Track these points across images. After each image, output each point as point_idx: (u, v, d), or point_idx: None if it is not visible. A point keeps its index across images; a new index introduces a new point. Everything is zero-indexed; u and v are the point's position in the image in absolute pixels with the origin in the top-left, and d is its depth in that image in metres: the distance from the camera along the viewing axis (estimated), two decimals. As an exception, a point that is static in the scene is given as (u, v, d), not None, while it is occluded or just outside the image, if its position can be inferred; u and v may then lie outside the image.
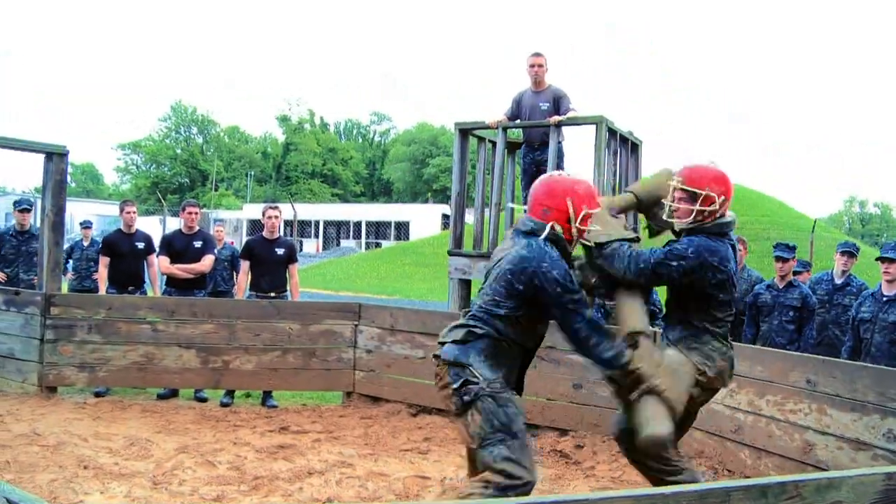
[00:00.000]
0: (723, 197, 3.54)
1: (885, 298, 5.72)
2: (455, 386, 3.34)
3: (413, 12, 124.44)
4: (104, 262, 7.80)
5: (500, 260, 3.47)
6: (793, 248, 6.72)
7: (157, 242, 8.12)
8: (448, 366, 3.40)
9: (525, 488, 3.24)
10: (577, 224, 3.46)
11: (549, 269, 3.31)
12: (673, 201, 3.64)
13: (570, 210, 3.44)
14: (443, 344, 3.48)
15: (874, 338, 5.68)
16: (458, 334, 3.42)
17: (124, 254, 7.73)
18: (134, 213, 7.96)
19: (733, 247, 3.64)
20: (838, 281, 6.74)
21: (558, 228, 3.44)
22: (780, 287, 6.58)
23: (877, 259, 5.85)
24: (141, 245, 7.87)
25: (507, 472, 3.23)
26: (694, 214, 3.56)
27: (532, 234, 3.45)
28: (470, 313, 3.49)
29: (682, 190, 3.59)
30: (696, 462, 5.14)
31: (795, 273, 6.86)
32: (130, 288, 7.68)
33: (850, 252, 6.80)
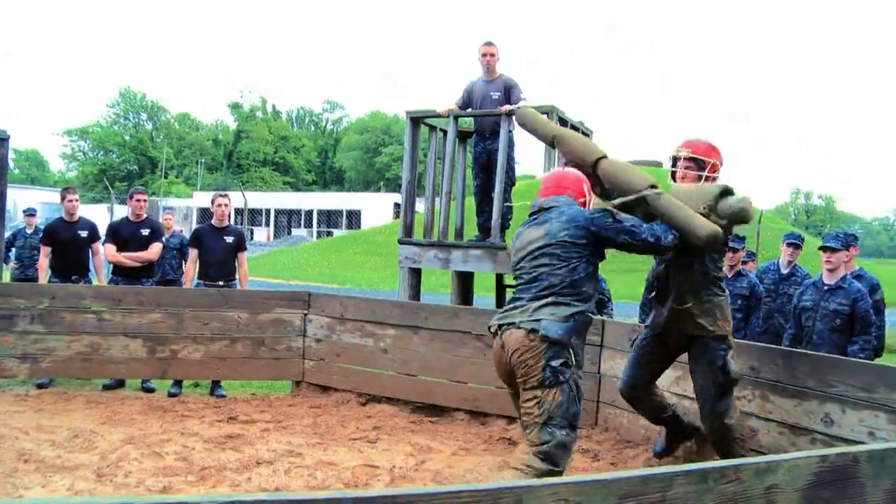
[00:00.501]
0: (721, 165, 4.21)
1: (825, 287, 5.84)
2: (554, 364, 3.62)
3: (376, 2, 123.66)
4: (45, 251, 7.60)
5: (539, 241, 3.87)
6: (742, 239, 6.84)
7: (104, 231, 7.95)
8: (548, 342, 3.63)
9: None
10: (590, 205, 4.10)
11: (591, 214, 3.87)
12: (679, 171, 4.24)
13: (587, 192, 4.09)
14: (514, 322, 3.77)
15: (815, 325, 5.81)
16: (560, 312, 3.70)
17: (67, 243, 7.53)
18: (75, 200, 7.72)
19: None
20: (784, 271, 6.88)
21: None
22: (729, 276, 6.69)
23: (819, 248, 5.97)
24: (84, 233, 7.66)
25: (553, 458, 3.59)
26: (702, 181, 4.14)
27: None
28: (549, 295, 3.75)
29: (690, 159, 4.20)
30: (643, 448, 5.22)
31: (742, 263, 6.98)
32: (74, 277, 7.48)
33: (795, 243, 6.94)
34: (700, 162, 4.18)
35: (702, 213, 3.89)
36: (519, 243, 4.01)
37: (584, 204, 4.05)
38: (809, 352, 5.16)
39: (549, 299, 3.72)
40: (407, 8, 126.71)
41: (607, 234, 3.82)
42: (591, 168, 4.13)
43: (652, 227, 3.86)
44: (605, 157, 4.12)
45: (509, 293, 8.65)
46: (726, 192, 4.01)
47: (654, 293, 4.41)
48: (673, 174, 4.32)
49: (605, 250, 3.97)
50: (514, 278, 4.03)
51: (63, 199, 7.73)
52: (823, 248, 5.88)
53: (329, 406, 6.54)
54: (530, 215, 4.08)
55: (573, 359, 3.67)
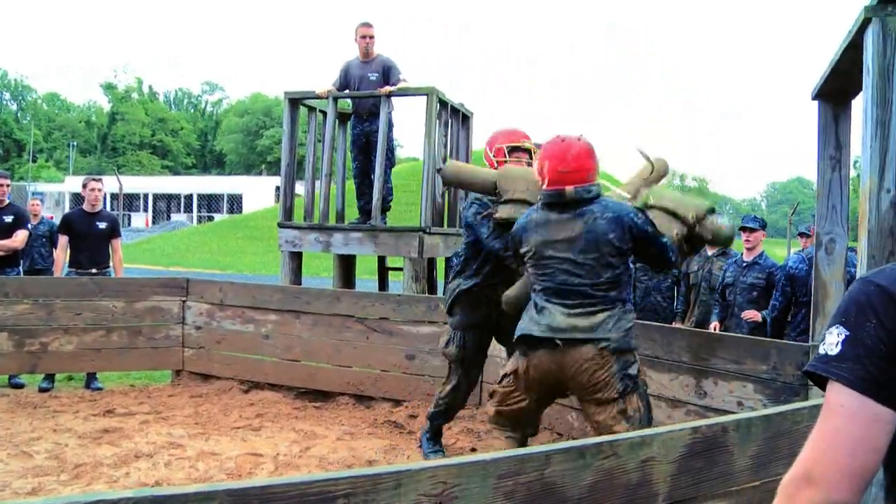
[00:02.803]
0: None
1: (744, 263, 6.22)
2: (629, 372, 3.47)
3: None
4: None
5: (580, 240, 3.51)
6: None
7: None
8: (617, 354, 3.43)
9: None
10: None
11: (634, 215, 3.56)
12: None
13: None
14: (575, 337, 3.46)
15: (736, 299, 6.15)
16: (620, 324, 3.47)
17: None
18: None
19: None
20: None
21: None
22: None
23: (739, 229, 6.33)
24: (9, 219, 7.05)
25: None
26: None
27: (597, 197, 3.61)
28: (595, 300, 3.49)
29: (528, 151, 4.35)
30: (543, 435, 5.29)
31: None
32: None
33: None
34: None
35: (689, 221, 3.75)
36: (542, 236, 3.60)
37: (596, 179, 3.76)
38: (685, 328, 5.36)
39: (608, 311, 3.47)
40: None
41: (644, 241, 3.56)
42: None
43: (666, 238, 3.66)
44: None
45: (392, 276, 8.66)
46: (713, 209, 3.87)
47: None
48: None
49: None
50: (537, 276, 3.62)
51: None
52: (743, 229, 6.24)
53: (211, 395, 6.36)
54: (548, 204, 3.63)
55: (637, 361, 3.57)
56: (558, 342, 3.44)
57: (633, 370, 3.49)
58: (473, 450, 5.05)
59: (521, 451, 1.84)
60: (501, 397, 3.82)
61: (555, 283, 3.53)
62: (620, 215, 3.50)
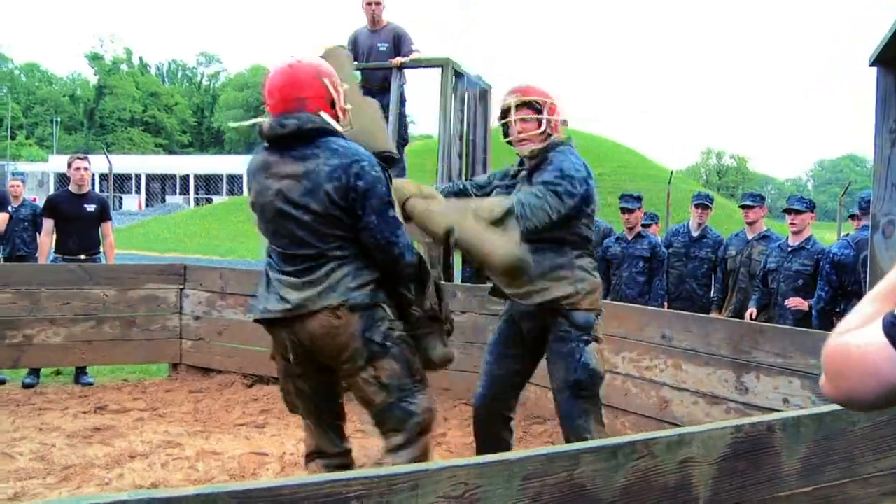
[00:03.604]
0: (559, 105, 3.66)
1: (789, 248, 6.09)
2: (373, 335, 3.04)
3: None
4: None
5: (293, 185, 3.01)
6: (638, 199, 7.03)
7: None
8: (357, 313, 3.02)
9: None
10: (342, 104, 3.17)
11: (370, 167, 3.01)
12: (514, 123, 3.64)
13: (330, 89, 3.11)
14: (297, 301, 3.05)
15: (780, 287, 6.04)
16: (357, 280, 3.03)
17: None
18: None
19: None
20: (694, 233, 7.08)
21: (326, 116, 3.07)
22: (629, 238, 6.87)
23: (783, 210, 6.27)
24: None
25: (427, 425, 3.19)
26: (543, 127, 3.61)
27: (318, 133, 3.04)
28: (323, 262, 3.04)
29: (524, 105, 3.63)
30: (552, 424, 5.30)
31: (644, 226, 7.17)
32: None
33: (704, 204, 7.17)
34: (536, 104, 3.61)
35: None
36: (260, 184, 3.12)
37: (331, 106, 3.12)
38: (724, 318, 5.33)
39: (340, 269, 3.04)
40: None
41: (365, 206, 3.00)
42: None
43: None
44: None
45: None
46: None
47: None
48: (506, 132, 3.75)
49: None
50: (264, 237, 3.23)
51: None
52: (788, 211, 6.15)
53: (211, 390, 6.42)
54: (270, 140, 3.14)
55: (388, 313, 3.10)
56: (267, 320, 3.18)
57: (379, 330, 3.05)
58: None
59: (549, 449, 1.84)
60: (280, 384, 3.49)
61: (279, 245, 3.14)
62: (347, 162, 2.96)
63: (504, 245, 3.22)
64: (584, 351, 3.56)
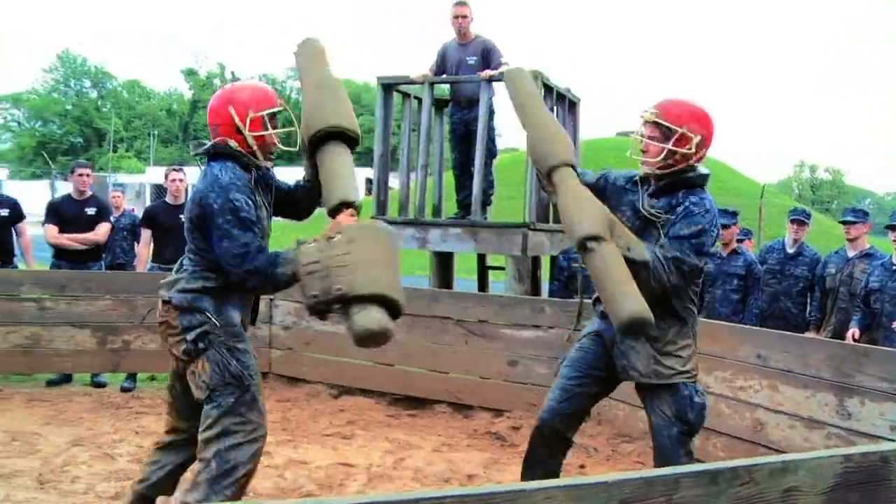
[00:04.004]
0: (699, 137, 3.36)
1: (894, 267, 5.84)
2: (189, 336, 3.25)
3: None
4: None
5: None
6: (734, 214, 6.84)
7: (43, 209, 7.75)
8: (179, 311, 3.28)
9: (258, 434, 3.26)
10: (248, 131, 3.33)
11: (218, 201, 3.17)
12: (642, 137, 3.46)
13: (235, 118, 3.32)
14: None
15: (884, 307, 5.78)
16: (189, 284, 3.30)
17: None
18: None
19: None
20: (790, 250, 6.86)
21: (232, 143, 3.32)
22: (724, 255, 6.70)
23: (886, 227, 6.06)
24: (4, 212, 7.35)
25: (230, 430, 3.19)
26: (663, 155, 3.37)
27: (214, 157, 3.34)
28: (188, 266, 3.35)
29: (655, 124, 3.40)
30: (641, 443, 5.20)
31: (738, 241, 6.98)
32: None
33: (800, 220, 6.94)
34: (666, 129, 3.37)
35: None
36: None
37: (236, 132, 3.34)
38: (823, 338, 5.16)
39: (187, 273, 3.35)
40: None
41: (212, 231, 3.21)
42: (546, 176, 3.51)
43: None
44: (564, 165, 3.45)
45: (493, 275, 8.67)
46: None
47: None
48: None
49: None
50: None
51: None
52: (891, 227, 5.94)
53: (299, 399, 6.48)
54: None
55: (210, 318, 3.26)
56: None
57: (195, 331, 3.23)
58: (582, 467, 5.00)
59: (648, 473, 1.79)
60: None
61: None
62: (205, 191, 3.22)
63: (634, 297, 3.08)
64: (694, 389, 3.43)
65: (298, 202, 3.74)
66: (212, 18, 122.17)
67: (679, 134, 3.34)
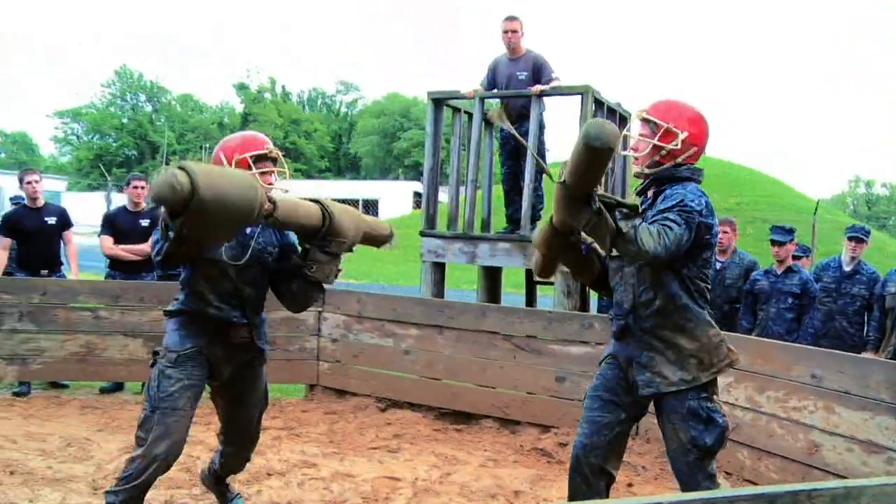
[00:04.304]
0: (685, 133, 3.30)
1: None
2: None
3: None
4: (4, 244, 7.38)
5: None
6: (790, 231, 6.71)
7: (99, 220, 7.88)
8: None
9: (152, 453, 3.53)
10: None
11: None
12: (632, 138, 3.46)
13: (223, 161, 3.68)
14: None
15: None
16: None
17: (30, 232, 7.34)
18: (35, 182, 7.42)
19: None
20: (847, 268, 6.70)
21: None
22: (779, 273, 6.57)
23: None
24: (52, 220, 7.44)
25: (138, 438, 3.59)
26: (650, 149, 3.33)
27: None
28: None
29: (645, 121, 3.38)
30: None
31: (795, 258, 6.83)
32: (44, 271, 7.34)
33: (858, 237, 6.76)
34: (653, 125, 3.33)
35: None
36: None
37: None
38: (882, 359, 5.02)
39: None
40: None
41: None
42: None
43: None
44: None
45: (541, 290, 8.63)
46: None
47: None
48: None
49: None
50: None
51: (21, 181, 7.45)
52: None
53: (346, 412, 6.49)
54: None
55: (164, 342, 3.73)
56: None
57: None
58: (630, 485, 4.93)
59: (705, 494, 1.75)
60: None
61: None
62: None
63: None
64: (711, 410, 3.26)
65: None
66: (212, 18, 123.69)
67: (664, 129, 3.31)
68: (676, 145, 3.29)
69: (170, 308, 3.76)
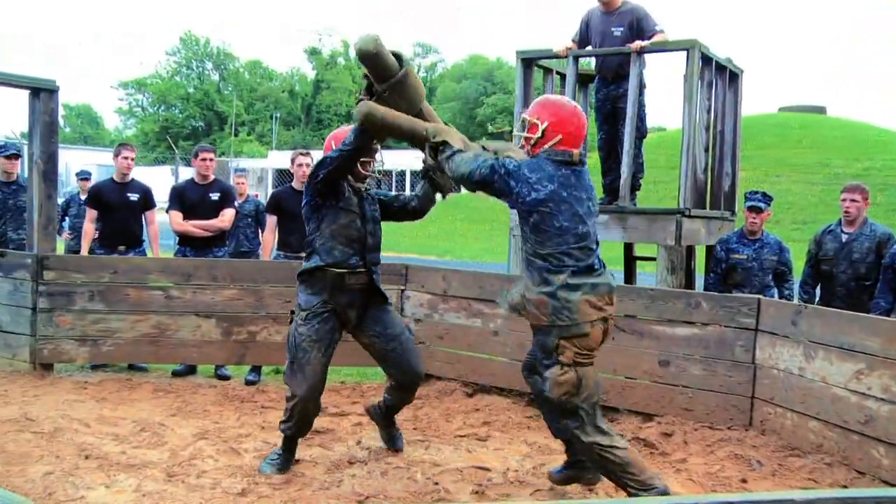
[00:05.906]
0: (545, 123, 4.12)
1: None
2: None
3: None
4: (91, 216, 7.72)
5: None
6: None
7: (166, 194, 8.06)
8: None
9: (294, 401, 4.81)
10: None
11: None
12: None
13: (331, 149, 4.87)
14: None
15: None
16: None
17: (114, 206, 7.60)
18: (131, 158, 7.76)
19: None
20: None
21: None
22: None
23: None
24: (135, 197, 7.70)
25: (293, 411, 4.83)
26: (520, 143, 4.26)
27: None
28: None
29: (522, 120, 4.31)
30: (813, 458, 5.00)
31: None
32: (122, 248, 7.58)
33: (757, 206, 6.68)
34: (524, 121, 4.28)
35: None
36: None
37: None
38: None
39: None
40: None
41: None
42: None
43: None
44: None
45: (641, 266, 8.52)
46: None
47: None
48: None
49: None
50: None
51: (117, 155, 7.75)
52: None
53: (431, 397, 6.53)
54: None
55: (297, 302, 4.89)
56: None
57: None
58: (744, 481, 4.85)
59: (847, 492, 1.71)
60: None
61: None
62: None
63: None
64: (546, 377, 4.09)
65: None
66: (212, 18, 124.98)
67: (529, 123, 4.20)
68: (539, 135, 4.14)
69: (300, 271, 4.86)
